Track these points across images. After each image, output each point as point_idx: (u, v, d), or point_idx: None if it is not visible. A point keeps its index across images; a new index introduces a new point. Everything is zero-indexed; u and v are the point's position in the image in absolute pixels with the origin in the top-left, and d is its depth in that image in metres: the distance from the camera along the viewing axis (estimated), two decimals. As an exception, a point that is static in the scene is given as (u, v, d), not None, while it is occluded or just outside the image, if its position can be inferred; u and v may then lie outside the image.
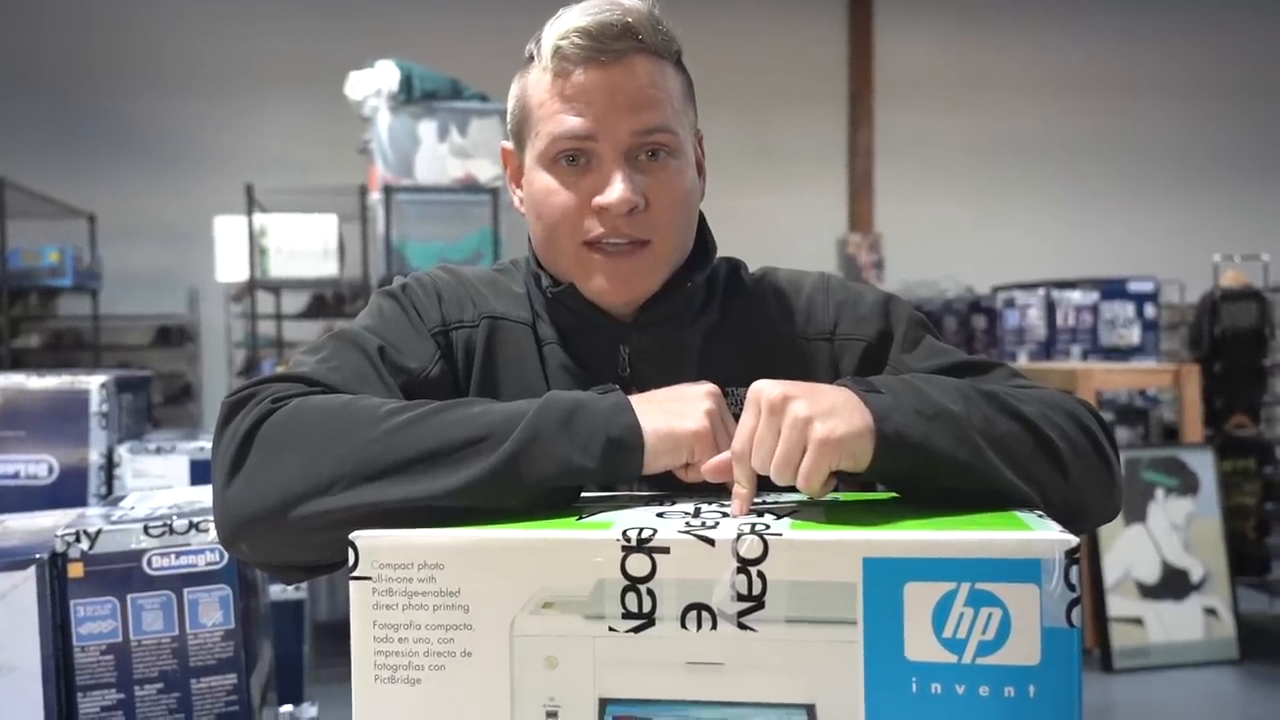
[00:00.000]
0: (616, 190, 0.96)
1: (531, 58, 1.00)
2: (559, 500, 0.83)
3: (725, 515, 0.79)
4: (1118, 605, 4.06)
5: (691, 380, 0.93)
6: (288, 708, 1.38)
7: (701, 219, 1.07)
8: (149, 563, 1.12)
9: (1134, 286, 4.82)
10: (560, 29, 0.96)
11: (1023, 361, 4.69)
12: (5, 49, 7.67)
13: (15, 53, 7.67)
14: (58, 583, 1.09)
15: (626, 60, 0.97)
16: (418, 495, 0.80)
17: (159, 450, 1.67)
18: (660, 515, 0.79)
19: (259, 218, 5.42)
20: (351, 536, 0.76)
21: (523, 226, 1.08)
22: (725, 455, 0.83)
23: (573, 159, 0.98)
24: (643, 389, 0.91)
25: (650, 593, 0.73)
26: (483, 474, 0.80)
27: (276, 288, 6.28)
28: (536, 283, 1.07)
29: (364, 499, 0.81)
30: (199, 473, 1.68)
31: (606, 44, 0.95)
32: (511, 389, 1.02)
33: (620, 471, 0.83)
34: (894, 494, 0.88)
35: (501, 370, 1.03)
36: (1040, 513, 0.80)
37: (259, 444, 0.85)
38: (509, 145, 1.07)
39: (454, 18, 8.00)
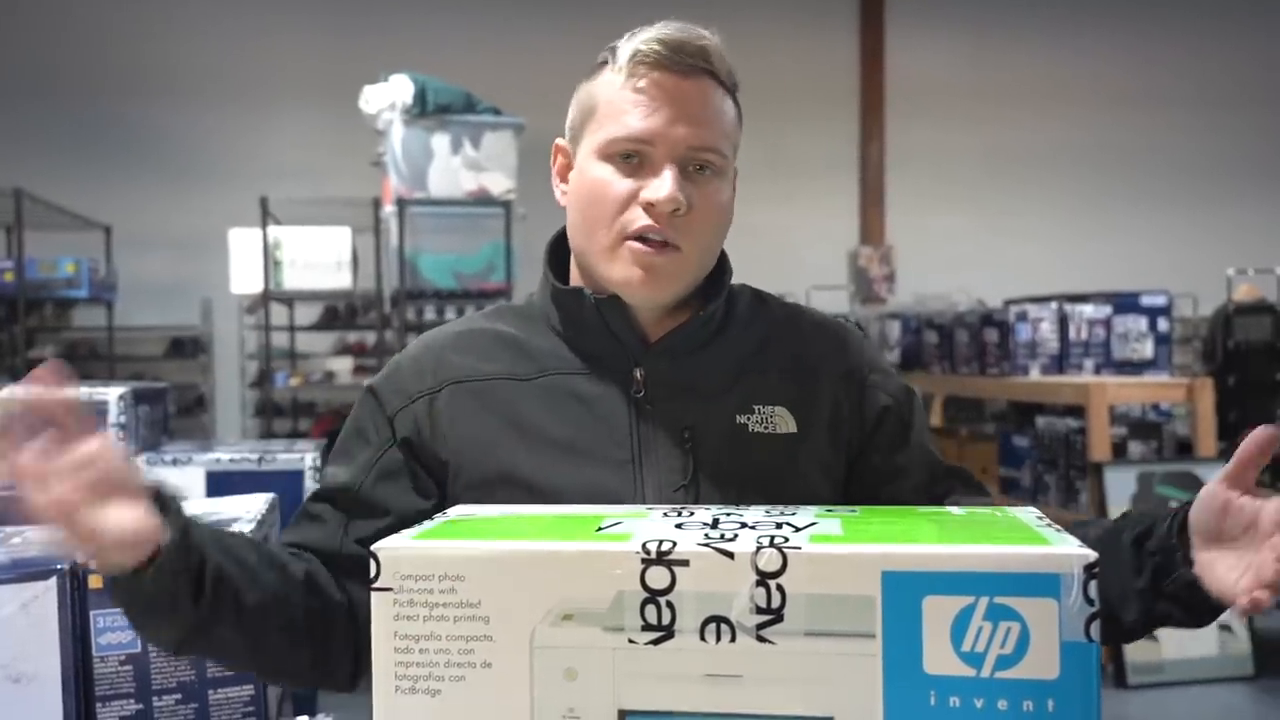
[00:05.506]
0: (666, 188, 1.01)
1: (604, 63, 1.07)
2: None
3: (744, 526, 0.80)
4: (1131, 620, 4.02)
5: (712, 402, 1.06)
6: (303, 719, 1.39)
7: (722, 250, 1.13)
8: (168, 573, 1.12)
9: (1147, 300, 4.78)
10: (642, 38, 1.04)
11: (1035, 375, 4.66)
12: (24, 62, 7.74)
13: (33, 66, 7.74)
14: (78, 593, 1.09)
15: (697, 78, 1.04)
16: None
17: (175, 462, 1.67)
18: (679, 527, 0.80)
19: (273, 229, 5.44)
20: (374, 548, 0.77)
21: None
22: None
23: (628, 156, 1.03)
24: (655, 411, 1.05)
25: (670, 605, 0.73)
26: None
27: (290, 299, 6.31)
28: (553, 295, 1.11)
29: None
30: (215, 484, 1.68)
31: (682, 58, 1.03)
32: (498, 434, 1.05)
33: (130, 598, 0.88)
34: (910, 507, 0.88)
35: (488, 420, 1.06)
36: (1059, 527, 0.81)
37: None
38: (563, 141, 1.12)
39: (468, 32, 8.04)
